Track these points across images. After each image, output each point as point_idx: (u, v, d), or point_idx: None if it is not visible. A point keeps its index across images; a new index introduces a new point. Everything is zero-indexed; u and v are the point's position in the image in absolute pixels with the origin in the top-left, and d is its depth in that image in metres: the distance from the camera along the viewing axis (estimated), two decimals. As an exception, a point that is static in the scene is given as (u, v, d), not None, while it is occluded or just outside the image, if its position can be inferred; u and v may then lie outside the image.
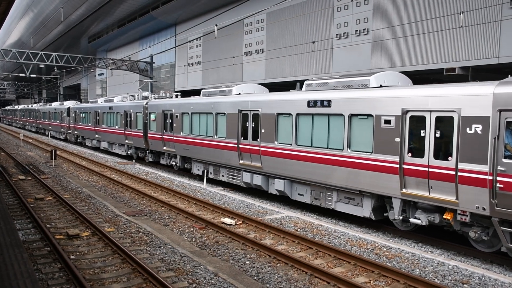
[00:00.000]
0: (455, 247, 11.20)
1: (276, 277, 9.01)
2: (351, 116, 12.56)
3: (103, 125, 31.87)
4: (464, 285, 8.73)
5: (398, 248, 10.86)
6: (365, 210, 12.61)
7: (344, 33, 23.22)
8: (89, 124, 34.94)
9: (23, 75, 41.52)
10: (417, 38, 19.75)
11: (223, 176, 18.65)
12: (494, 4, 16.91)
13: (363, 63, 22.20)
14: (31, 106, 66.52)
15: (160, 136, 23.12)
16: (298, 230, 12.50)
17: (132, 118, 26.73)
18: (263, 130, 15.92)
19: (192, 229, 12.52)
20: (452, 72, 18.07)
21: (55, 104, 50.21)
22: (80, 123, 37.85)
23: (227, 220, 13.07)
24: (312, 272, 9.14)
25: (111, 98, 32.69)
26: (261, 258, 10.17)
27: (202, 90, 19.34)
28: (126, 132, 27.89)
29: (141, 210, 14.85)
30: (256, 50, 29.92)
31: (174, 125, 21.58)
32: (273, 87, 29.45)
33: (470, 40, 17.90)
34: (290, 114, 14.69)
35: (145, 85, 38.67)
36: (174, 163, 22.60)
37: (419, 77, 21.67)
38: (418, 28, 19.66)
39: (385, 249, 10.82)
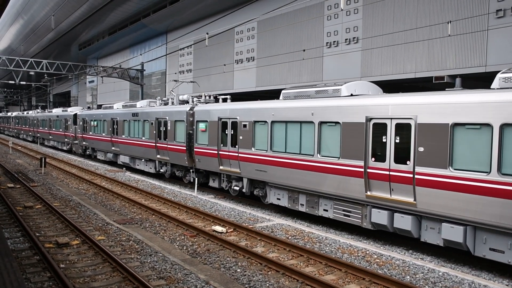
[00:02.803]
0: (445, 254, 11.29)
1: (267, 284, 9.01)
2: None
3: (123, 136, 26.51)
4: (454, 291, 8.80)
5: (389, 255, 10.92)
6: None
7: (334, 41, 23.45)
8: (103, 134, 29.56)
9: (13, 82, 41.26)
10: (406, 46, 20.01)
11: (325, 210, 13.55)
12: (481, 14, 17.22)
13: (353, 71, 22.41)
14: (27, 113, 60.12)
15: (215, 152, 17.97)
16: (289, 237, 12.51)
17: (169, 128, 21.37)
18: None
19: (183, 237, 12.48)
20: (441, 81, 18.33)
21: (57, 111, 44.71)
22: (90, 133, 32.25)
23: (218, 228, 13.05)
24: (303, 280, 9.15)
25: (133, 103, 27.65)
26: (252, 266, 10.16)
27: (283, 91, 15.69)
28: (158, 145, 22.45)
29: (132, 218, 14.77)
30: (247, 58, 30.06)
31: (240, 137, 16.52)
32: (264, 96, 29.60)
33: (458, 49, 18.18)
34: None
35: (135, 93, 38.58)
36: (236, 187, 17.33)
37: (408, 85, 21.96)
38: (407, 37, 19.93)
39: (376, 256, 10.88)
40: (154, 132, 22.75)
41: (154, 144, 22.79)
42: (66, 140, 39.18)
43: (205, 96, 21.78)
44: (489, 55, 17.23)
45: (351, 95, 13.26)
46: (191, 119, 19.93)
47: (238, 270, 9.84)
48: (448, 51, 18.49)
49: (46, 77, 51.29)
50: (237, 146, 16.79)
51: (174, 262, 10.18)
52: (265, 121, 15.40)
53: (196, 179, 19.78)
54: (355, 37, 22.38)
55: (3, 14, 12.46)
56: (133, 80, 40.74)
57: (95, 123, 31.19)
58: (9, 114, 75.45)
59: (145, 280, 8.66)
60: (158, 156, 22.71)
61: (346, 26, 22.82)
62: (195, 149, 19.49)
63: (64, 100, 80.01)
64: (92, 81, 59.02)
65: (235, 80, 31.14)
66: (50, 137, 44.91)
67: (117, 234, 12.56)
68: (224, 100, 20.86)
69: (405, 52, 20.18)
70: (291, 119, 14.31)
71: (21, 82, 43.38)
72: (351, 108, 12.32)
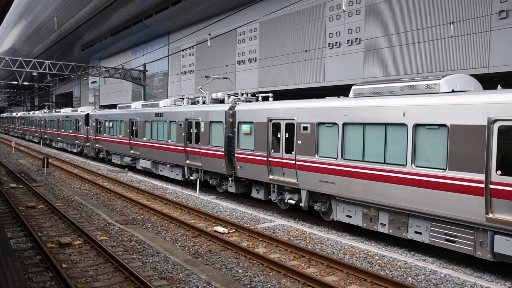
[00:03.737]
0: (447, 255, 11.27)
1: (268, 285, 9.01)
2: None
3: (144, 138, 24.07)
4: (456, 293, 8.78)
5: (391, 257, 10.90)
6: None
7: (336, 42, 23.45)
8: (120, 136, 27.15)
9: (16, 82, 41.40)
10: (409, 47, 20.00)
11: (418, 233, 11.21)
12: (483, 15, 17.20)
13: (355, 72, 22.41)
14: (33, 113, 57.90)
15: (264, 159, 15.58)
16: (291, 238, 12.51)
17: (202, 130, 18.89)
18: None
19: (184, 238, 12.49)
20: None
21: (66, 111, 42.64)
22: (104, 134, 29.78)
23: (220, 229, 13.06)
24: (305, 281, 9.15)
25: (154, 102, 25.40)
26: (254, 266, 10.17)
27: (354, 87, 13.25)
28: (188, 149, 19.96)
29: (134, 218, 14.79)
30: (249, 59, 30.09)
31: (299, 142, 14.08)
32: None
33: (460, 50, 18.16)
34: None
35: (137, 94, 38.59)
36: (291, 200, 14.81)
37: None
38: (409, 38, 19.92)
39: (377, 258, 10.86)
40: (183, 134, 20.18)
41: (183, 148, 20.26)
42: (76, 142, 36.86)
43: (246, 94, 18.94)
44: (491, 56, 17.20)
45: (453, 91, 11.11)
46: (230, 120, 17.43)
47: (240, 270, 9.85)
48: (450, 52, 18.47)
49: (49, 78, 51.43)
50: (293, 153, 14.28)
51: (176, 262, 10.19)
52: (334, 123, 12.91)
53: (199, 180, 19.76)
54: (357, 38, 22.38)
55: (7, 15, 12.52)
56: (135, 81, 40.84)
57: (111, 124, 28.57)
58: (14, 114, 73.40)
59: (146, 280, 8.67)
60: (187, 161, 20.13)
61: (348, 27, 22.82)
62: (236, 155, 16.96)
63: (67, 100, 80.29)
64: (95, 82, 59.18)
65: (237, 81, 31.16)
66: (59, 138, 42.42)
67: (119, 235, 12.58)
68: (265, 98, 18.30)
69: (407, 53, 20.16)
70: (372, 120, 11.90)
71: (24, 83, 43.51)
72: (465, 107, 9.96)
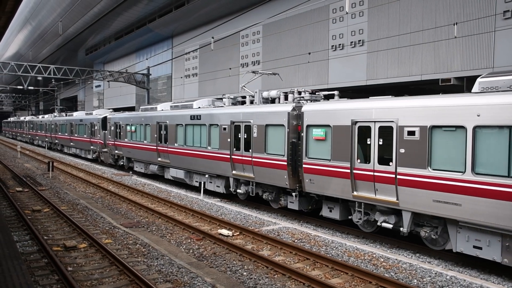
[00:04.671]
0: (453, 257, 11.22)
1: (273, 288, 9.01)
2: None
3: (176, 144, 21.33)
4: (462, 294, 8.73)
5: (396, 259, 10.87)
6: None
7: (340, 44, 23.44)
8: (145, 142, 24.50)
9: (21, 87, 41.63)
10: (412, 49, 19.96)
11: None
12: (487, 15, 17.15)
13: (359, 74, 22.39)
14: (42, 116, 55.53)
15: (346, 171, 12.74)
16: (295, 241, 12.50)
17: (255, 135, 16.10)
18: None
19: (189, 241, 12.51)
20: (448, 83, 18.27)
21: (79, 114, 40.43)
22: (125, 140, 27.06)
23: (224, 232, 13.07)
24: (309, 283, 9.14)
25: (186, 103, 22.31)
26: (258, 269, 10.16)
27: (481, 79, 10.65)
28: (235, 157, 17.12)
29: (138, 221, 14.82)
30: (252, 61, 30.13)
31: (402, 151, 11.31)
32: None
33: (464, 50, 18.11)
34: None
35: (141, 98, 38.57)
36: (387, 223, 12.03)
37: (414, 88, 21.91)
38: (413, 39, 19.89)
39: (382, 260, 10.84)
40: (229, 140, 17.38)
41: (228, 156, 17.40)
42: (92, 147, 34.11)
43: (304, 92, 16.01)
44: (496, 56, 17.14)
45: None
46: (294, 122, 14.70)
47: (244, 273, 9.85)
48: (454, 53, 18.43)
49: (53, 82, 51.65)
50: (391, 164, 11.54)
51: (181, 265, 10.21)
52: (459, 126, 10.12)
53: (202, 183, 19.74)
54: (360, 40, 22.37)
55: (12, 20, 12.62)
56: (139, 85, 40.97)
57: (133, 128, 25.86)
58: (22, 118, 70.38)
59: (151, 283, 8.70)
60: (234, 172, 17.14)
61: (352, 29, 22.82)
62: (304, 165, 14.13)
63: (71, 104, 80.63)
64: (99, 86, 59.42)
65: (241, 84, 31.19)
66: (71, 144, 39.83)
67: (124, 238, 12.61)
68: (327, 97, 15.77)
69: (411, 55, 20.12)
70: None
71: (29, 87, 43.73)
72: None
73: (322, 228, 14.40)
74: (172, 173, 22.14)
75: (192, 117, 19.96)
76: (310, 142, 14.06)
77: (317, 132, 13.82)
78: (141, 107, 27.22)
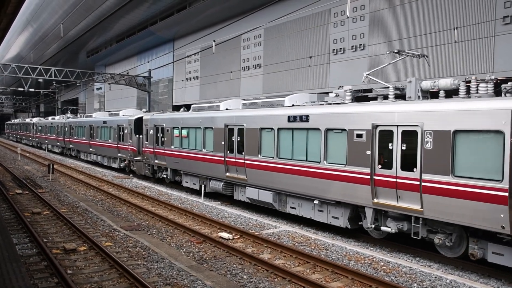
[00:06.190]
0: (453, 261, 11.21)
1: (273, 291, 9.00)
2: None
3: (259, 156, 16.00)
4: (462, 299, 8.71)
5: (396, 263, 10.86)
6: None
7: (341, 48, 23.50)
8: (204, 150, 19.22)
9: (22, 89, 41.68)
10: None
11: None
12: (487, 20, 17.19)
13: (360, 78, 22.39)
14: (52, 118, 50.69)
15: None
16: (296, 244, 12.49)
17: (427, 147, 10.67)
18: None
19: (189, 244, 12.50)
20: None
21: (101, 115, 35.13)
22: (172, 147, 21.85)
23: (225, 235, 13.06)
24: (310, 287, 9.13)
25: (270, 99, 17.08)
26: (258, 272, 10.15)
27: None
28: (380, 178, 11.77)
29: (139, 224, 14.81)
30: (253, 65, 30.19)
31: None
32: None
33: (464, 55, 18.15)
34: None
35: (142, 100, 38.45)
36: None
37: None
38: (413, 43, 19.92)
39: (382, 264, 10.82)
40: (368, 153, 11.94)
41: (368, 177, 11.95)
42: (119, 155, 28.87)
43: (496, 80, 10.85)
44: (496, 61, 17.18)
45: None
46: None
47: (245, 276, 9.84)
48: (454, 58, 18.46)
49: (54, 84, 51.62)
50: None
51: (181, 268, 10.20)
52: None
53: (202, 186, 19.59)
54: (361, 44, 22.42)
55: (13, 22, 12.65)
56: (140, 87, 41.04)
57: (184, 132, 20.86)
58: (28, 120, 64.65)
59: (151, 286, 8.69)
60: (376, 199, 11.84)
61: (353, 33, 22.87)
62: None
63: (72, 106, 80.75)
64: (100, 88, 59.47)
65: (242, 87, 31.26)
66: (91, 149, 34.30)
67: (124, 240, 12.61)
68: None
69: (411, 59, 20.14)
70: None
71: (30, 89, 43.75)
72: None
73: (322, 231, 14.38)
74: (250, 193, 16.83)
75: (293, 119, 14.61)
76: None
77: None
78: (192, 106, 21.97)
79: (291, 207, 15.22)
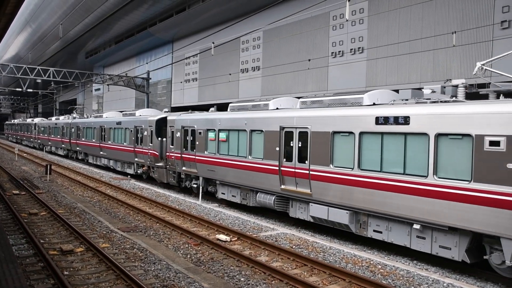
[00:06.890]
0: (450, 264, 11.21)
1: (271, 294, 8.98)
2: None
3: (331, 166, 13.11)
4: (459, 303, 8.71)
5: (393, 266, 10.86)
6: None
7: (340, 51, 23.55)
8: (250, 158, 16.35)
9: (20, 89, 41.63)
10: (412, 56, 20.06)
11: None
12: (485, 24, 17.26)
13: (358, 81, 22.47)
14: (56, 118, 47.67)
15: None
16: (293, 247, 12.48)
17: None
18: None
19: (187, 246, 12.48)
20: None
21: (113, 115, 31.95)
22: (206, 152, 18.87)
23: (222, 237, 13.04)
24: (307, 289, 9.12)
25: (341, 97, 13.88)
26: (256, 275, 10.14)
27: None
28: None
29: (136, 226, 14.78)
30: (252, 67, 30.23)
31: None
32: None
33: (463, 59, 18.21)
34: None
35: (141, 102, 38.50)
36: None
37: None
38: (412, 47, 19.99)
39: (380, 267, 10.82)
40: (511, 167, 9.04)
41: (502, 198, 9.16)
42: (137, 160, 25.85)
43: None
44: (494, 65, 17.23)
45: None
46: None
47: (242, 279, 9.82)
48: (453, 61, 18.53)
49: (52, 85, 51.58)
50: None
51: (178, 270, 10.18)
52: None
53: (200, 187, 19.60)
54: (360, 47, 22.47)
55: (12, 22, 12.65)
56: (139, 89, 41.04)
57: (222, 135, 17.83)
58: (29, 120, 61.84)
59: (148, 288, 8.66)
60: None
61: (352, 36, 22.93)
62: None
63: (70, 107, 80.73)
64: (98, 89, 59.46)
65: (241, 89, 31.29)
66: (102, 153, 31.21)
67: (121, 242, 12.57)
68: None
69: (410, 62, 20.22)
70: None
71: (28, 90, 43.71)
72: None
73: (320, 234, 14.38)
74: (315, 211, 13.82)
75: (383, 120, 11.73)
76: None
77: None
78: (230, 105, 19.00)
79: (374, 230, 12.32)
